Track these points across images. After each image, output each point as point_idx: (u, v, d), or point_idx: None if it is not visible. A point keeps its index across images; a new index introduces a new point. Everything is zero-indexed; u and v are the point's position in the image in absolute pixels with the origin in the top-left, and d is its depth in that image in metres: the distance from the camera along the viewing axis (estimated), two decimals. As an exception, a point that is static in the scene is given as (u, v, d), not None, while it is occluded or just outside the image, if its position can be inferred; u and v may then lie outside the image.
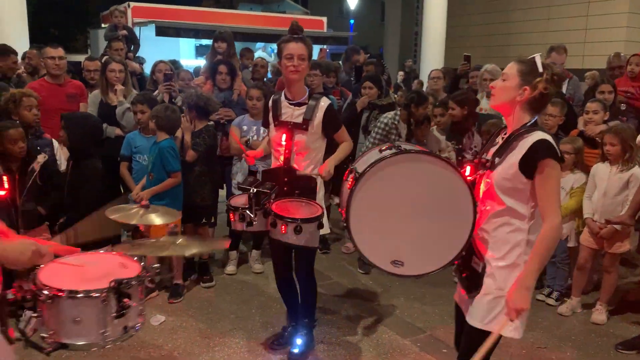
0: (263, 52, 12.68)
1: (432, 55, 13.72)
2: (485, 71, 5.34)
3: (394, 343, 3.72)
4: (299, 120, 3.13)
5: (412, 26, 23.65)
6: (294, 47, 3.06)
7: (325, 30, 14.01)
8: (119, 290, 1.99)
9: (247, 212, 2.79)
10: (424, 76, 12.59)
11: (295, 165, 3.14)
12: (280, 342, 3.61)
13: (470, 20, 18.25)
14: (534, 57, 2.22)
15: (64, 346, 1.97)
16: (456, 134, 4.80)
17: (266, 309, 4.18)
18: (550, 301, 4.30)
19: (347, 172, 2.49)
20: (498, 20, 17.59)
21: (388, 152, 2.34)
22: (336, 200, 6.61)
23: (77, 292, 1.94)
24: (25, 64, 6.07)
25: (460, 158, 4.67)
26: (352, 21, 23.38)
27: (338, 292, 4.53)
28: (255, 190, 2.82)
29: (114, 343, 2.03)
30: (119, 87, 4.69)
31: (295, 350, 3.43)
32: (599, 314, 4.09)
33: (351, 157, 4.81)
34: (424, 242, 2.30)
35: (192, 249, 2.54)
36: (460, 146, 4.75)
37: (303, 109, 3.15)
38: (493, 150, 2.31)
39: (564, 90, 5.63)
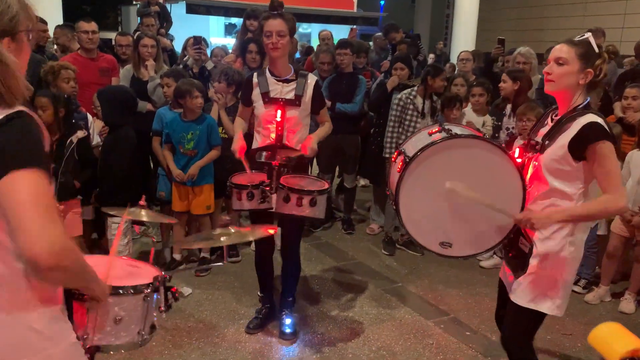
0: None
1: (464, 38, 13.51)
2: (518, 54, 5.23)
3: (417, 324, 3.73)
4: (291, 96, 3.15)
5: (443, 8, 23.22)
6: (272, 24, 3.05)
7: (355, 10, 13.85)
8: (164, 284, 1.90)
9: (266, 188, 2.90)
10: (454, 59, 12.40)
11: (287, 142, 3.17)
12: (255, 325, 3.55)
13: (503, 2, 17.84)
14: (587, 38, 2.17)
15: (98, 349, 1.79)
16: (497, 111, 4.74)
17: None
18: (578, 289, 4.25)
19: (396, 153, 2.48)
20: (532, 4, 17.14)
21: (438, 135, 2.31)
22: (362, 182, 6.61)
23: (122, 288, 1.76)
24: (53, 42, 6.16)
25: (496, 135, 4.61)
26: (382, 1, 23.07)
27: (362, 273, 4.55)
28: (278, 163, 2.91)
29: (147, 342, 1.89)
30: (150, 62, 4.74)
31: (288, 330, 3.46)
32: (628, 303, 4.03)
33: (379, 138, 4.84)
34: (472, 224, 2.32)
35: (247, 237, 2.50)
36: (500, 123, 4.68)
37: (292, 85, 3.17)
38: (542, 132, 2.30)
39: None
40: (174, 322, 3.60)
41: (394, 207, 2.25)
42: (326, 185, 3.08)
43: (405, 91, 4.76)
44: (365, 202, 6.20)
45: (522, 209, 2.26)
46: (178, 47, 7.82)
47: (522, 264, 2.30)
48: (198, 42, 5.27)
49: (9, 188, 1.24)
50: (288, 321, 3.48)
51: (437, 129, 2.38)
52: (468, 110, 4.84)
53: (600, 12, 14.74)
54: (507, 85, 4.53)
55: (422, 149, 2.23)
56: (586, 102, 2.18)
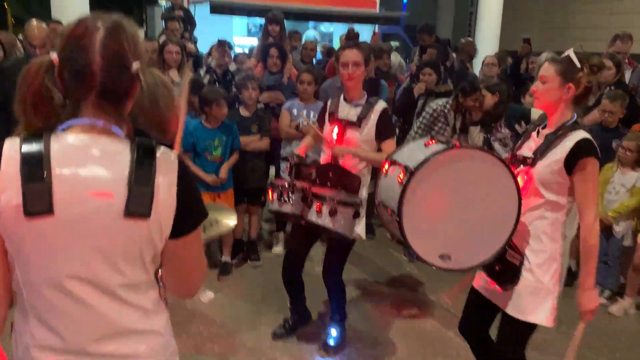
0: (314, 30, 12.66)
1: (487, 36, 13.32)
2: (545, 60, 5.16)
3: (437, 333, 3.73)
4: (354, 118, 3.14)
5: (466, 6, 22.98)
6: (349, 55, 3.08)
7: (377, 9, 13.79)
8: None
9: (286, 186, 2.88)
10: (478, 57, 12.27)
11: (342, 163, 3.14)
12: (281, 333, 3.58)
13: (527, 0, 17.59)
14: (568, 55, 2.28)
15: None
16: (485, 123, 4.70)
17: (310, 290, 4.25)
18: (602, 300, 4.19)
19: (386, 162, 2.45)
20: (558, 1, 16.87)
21: (440, 146, 2.31)
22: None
23: None
24: None
25: (485, 147, 4.58)
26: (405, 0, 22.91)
27: (382, 279, 4.57)
28: (296, 159, 2.97)
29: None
30: (174, 72, 4.84)
31: (331, 342, 3.46)
32: (652, 316, 3.98)
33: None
34: (470, 235, 2.32)
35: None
36: (489, 135, 4.65)
37: (359, 108, 3.16)
38: (529, 146, 2.40)
39: (626, 79, 5.40)
40: (197, 328, 3.66)
41: (397, 220, 2.22)
42: (355, 199, 2.88)
43: (440, 102, 4.71)
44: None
45: (517, 218, 2.29)
46: (202, 47, 7.92)
47: (512, 276, 2.36)
48: (222, 44, 5.35)
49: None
50: (333, 332, 3.44)
51: (433, 141, 2.38)
52: None
53: (629, 10, 14.43)
54: (486, 98, 4.52)
55: (426, 160, 2.21)
56: (574, 119, 2.30)
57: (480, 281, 2.57)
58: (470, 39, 6.52)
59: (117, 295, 1.28)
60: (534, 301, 2.34)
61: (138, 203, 1.23)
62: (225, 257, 4.57)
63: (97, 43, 1.23)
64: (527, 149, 2.41)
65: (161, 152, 1.28)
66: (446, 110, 4.64)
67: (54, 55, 1.25)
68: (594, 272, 2.31)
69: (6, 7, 22.10)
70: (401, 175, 2.28)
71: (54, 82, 1.25)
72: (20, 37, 6.21)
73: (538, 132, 2.42)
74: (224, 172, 4.28)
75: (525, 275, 2.33)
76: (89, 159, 1.24)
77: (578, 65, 2.24)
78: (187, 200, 1.30)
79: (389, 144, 3.15)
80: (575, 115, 2.32)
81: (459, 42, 7.15)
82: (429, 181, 2.24)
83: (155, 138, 1.31)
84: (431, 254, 2.33)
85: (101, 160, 1.24)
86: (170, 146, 1.38)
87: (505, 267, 2.38)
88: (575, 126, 2.28)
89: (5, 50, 5.34)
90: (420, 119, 4.78)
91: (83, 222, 1.22)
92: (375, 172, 4.29)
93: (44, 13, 14.36)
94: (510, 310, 2.39)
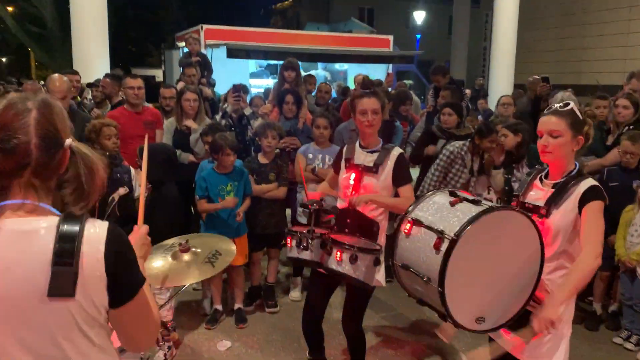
0: (324, 71, 12.85)
1: (502, 71, 13.41)
2: (560, 101, 5.13)
3: (460, 384, 3.63)
4: (370, 164, 3.13)
5: (480, 40, 23.20)
6: (368, 103, 3.08)
7: (391, 48, 13.97)
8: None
9: (305, 233, 2.84)
10: (493, 92, 12.31)
11: (359, 209, 3.09)
12: None
13: (542, 34, 17.71)
14: (572, 108, 2.35)
15: None
16: (507, 163, 4.64)
17: (330, 338, 4.18)
18: (629, 345, 4.07)
19: (407, 221, 2.36)
20: (573, 34, 16.96)
21: (469, 206, 2.24)
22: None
23: None
24: (99, 92, 6.44)
25: (506, 188, 4.51)
26: (418, 36, 23.23)
27: (402, 325, 4.48)
28: (315, 205, 2.93)
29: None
30: (190, 122, 4.94)
31: None
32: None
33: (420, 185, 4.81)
34: (500, 295, 2.28)
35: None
36: (510, 176, 4.59)
37: (376, 155, 3.15)
38: (536, 196, 2.44)
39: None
40: (213, 379, 3.61)
41: (439, 292, 2.12)
42: (375, 246, 2.87)
43: (457, 144, 4.66)
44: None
45: (540, 271, 2.30)
46: (219, 88, 8.08)
47: (527, 323, 2.33)
48: (237, 90, 5.45)
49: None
50: None
51: (458, 199, 2.32)
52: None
53: (643, 43, 14.44)
54: (508, 139, 4.47)
55: (465, 227, 2.13)
56: (577, 168, 2.39)
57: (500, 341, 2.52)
58: (537, 77, 6.34)
59: None
60: (551, 347, 2.38)
61: (60, 284, 1.24)
62: (238, 304, 4.52)
63: (32, 123, 1.28)
64: (533, 197, 2.46)
65: (88, 226, 1.30)
66: (463, 153, 4.60)
67: None
68: (570, 295, 2.30)
69: (30, 53, 22.90)
70: (437, 242, 2.16)
71: None
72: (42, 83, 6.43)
73: (541, 181, 2.48)
74: (241, 213, 4.28)
75: None
76: (11, 239, 1.26)
77: (581, 117, 2.35)
78: (119, 272, 1.31)
79: (407, 189, 3.14)
80: (577, 163, 2.41)
81: (527, 81, 6.73)
82: (468, 248, 2.16)
83: (83, 206, 1.35)
84: (468, 320, 2.25)
85: (24, 241, 1.26)
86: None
87: (524, 316, 2.34)
88: (582, 175, 2.37)
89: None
90: (437, 161, 4.74)
91: (9, 303, 1.25)
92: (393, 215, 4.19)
93: (66, 59, 14.85)
94: (527, 358, 2.41)
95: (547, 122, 2.37)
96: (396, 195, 3.18)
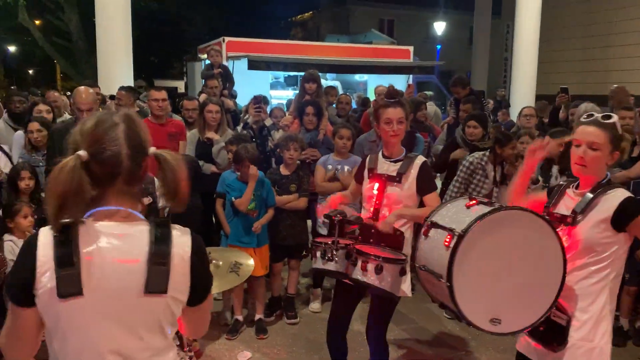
0: (335, 81, 12.87)
1: (524, 82, 13.24)
2: (585, 112, 5.07)
3: (482, 399, 3.58)
4: (394, 174, 3.12)
5: (501, 51, 23.06)
6: (393, 112, 3.08)
7: (411, 59, 13.97)
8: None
9: (330, 244, 2.82)
10: (514, 104, 12.20)
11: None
12: None
13: (564, 44, 17.54)
14: (614, 122, 2.27)
15: None
16: (546, 172, 4.60)
17: (350, 350, 4.16)
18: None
19: (425, 224, 2.40)
20: (596, 45, 16.77)
21: (483, 207, 2.27)
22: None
23: None
24: (115, 104, 6.56)
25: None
26: (439, 47, 23.18)
27: (423, 338, 4.44)
28: (339, 216, 2.93)
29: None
30: (212, 134, 5.00)
31: None
32: None
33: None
34: (518, 298, 2.27)
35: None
36: (549, 184, 4.53)
37: (399, 164, 3.14)
38: (567, 205, 2.37)
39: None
40: (234, 390, 3.61)
41: (447, 286, 2.16)
42: (400, 256, 2.85)
43: (477, 155, 4.65)
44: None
45: (563, 278, 2.25)
46: (240, 100, 8.16)
47: (560, 337, 2.30)
48: (258, 101, 5.50)
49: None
50: None
51: (474, 202, 2.34)
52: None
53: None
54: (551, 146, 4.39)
55: (473, 223, 2.16)
56: (608, 177, 2.30)
57: (524, 343, 2.49)
58: (621, 85, 6.19)
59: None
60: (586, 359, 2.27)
61: (156, 281, 1.41)
62: (259, 315, 4.53)
63: (122, 135, 1.44)
64: (563, 207, 2.40)
65: (176, 231, 1.48)
66: (483, 163, 4.58)
67: (83, 153, 1.41)
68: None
69: (56, 65, 23.42)
70: (447, 239, 2.22)
71: (83, 177, 1.40)
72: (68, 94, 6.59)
73: (573, 191, 2.41)
74: (258, 224, 4.32)
75: (574, 336, 2.28)
76: (113, 242, 1.42)
77: (620, 131, 2.26)
78: (200, 273, 1.50)
79: (432, 197, 3.12)
80: (608, 173, 2.32)
81: (610, 90, 6.41)
82: (478, 244, 2.19)
83: (172, 209, 1.49)
84: (482, 319, 2.25)
85: (124, 244, 1.42)
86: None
87: (550, 328, 2.33)
88: (611, 184, 2.29)
89: (54, 112, 5.62)
90: (458, 172, 4.72)
91: (109, 300, 1.40)
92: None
93: (91, 71, 15.14)
94: None
95: (588, 132, 2.27)
96: (421, 204, 3.17)
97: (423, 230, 2.41)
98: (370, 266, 2.71)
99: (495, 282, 2.24)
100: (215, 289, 2.64)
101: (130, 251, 1.41)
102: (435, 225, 2.35)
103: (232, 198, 4.35)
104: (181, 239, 1.47)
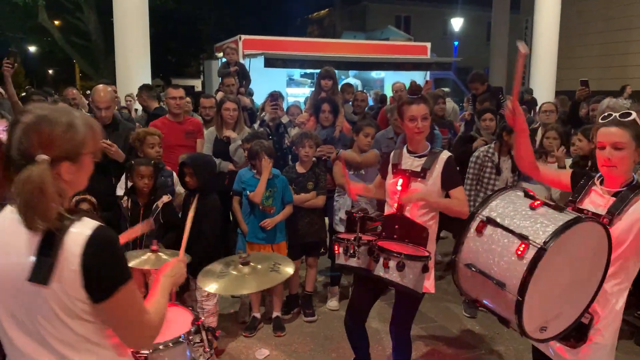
0: (355, 79, 12.83)
1: (543, 78, 13.06)
2: (607, 107, 4.99)
3: (503, 398, 3.53)
4: (418, 169, 3.09)
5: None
6: (417, 109, 3.05)
7: (429, 55, 13.87)
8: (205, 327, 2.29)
9: (353, 240, 2.82)
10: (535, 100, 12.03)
11: (407, 214, 3.07)
12: None
13: (584, 40, 17.27)
14: (634, 119, 2.24)
15: None
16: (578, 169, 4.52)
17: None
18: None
19: (479, 220, 2.21)
20: (616, 39, 16.48)
21: (555, 213, 2.12)
22: (441, 234, 6.45)
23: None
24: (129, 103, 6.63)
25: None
26: (456, 43, 22.98)
27: (442, 337, 4.39)
28: (361, 213, 2.91)
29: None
30: (229, 132, 5.01)
31: None
32: None
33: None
34: (564, 304, 2.21)
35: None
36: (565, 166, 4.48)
37: (423, 159, 3.11)
38: (595, 202, 2.34)
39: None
40: (252, 387, 3.61)
41: (518, 300, 2.01)
42: (423, 253, 2.81)
43: (482, 148, 4.67)
44: (445, 256, 6.04)
45: (602, 283, 2.23)
46: (257, 98, 8.17)
47: (580, 334, 2.31)
48: (275, 98, 5.49)
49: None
50: None
51: (539, 203, 2.17)
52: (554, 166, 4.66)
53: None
54: (582, 144, 4.31)
55: (555, 235, 2.00)
56: (636, 179, 2.31)
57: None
58: None
59: (53, 349, 1.48)
60: (605, 355, 2.34)
61: (39, 271, 1.40)
62: (276, 312, 4.52)
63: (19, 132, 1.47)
64: (591, 204, 2.35)
65: (77, 224, 1.43)
66: (490, 155, 4.58)
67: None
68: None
69: (75, 64, 23.70)
70: (522, 249, 2.04)
71: None
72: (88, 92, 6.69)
73: (602, 189, 2.37)
74: (272, 222, 4.31)
75: (595, 334, 2.31)
76: (13, 227, 1.44)
77: None
78: (95, 268, 1.41)
79: (458, 192, 3.07)
80: (635, 175, 2.34)
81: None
82: (553, 259, 2.04)
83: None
84: (534, 328, 2.16)
85: (21, 230, 1.43)
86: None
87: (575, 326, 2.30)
88: None
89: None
90: (468, 169, 4.72)
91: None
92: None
93: (109, 70, 15.29)
94: None
95: (610, 133, 2.26)
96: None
97: (476, 225, 2.21)
98: (392, 263, 2.69)
99: (552, 292, 2.14)
100: (257, 287, 2.63)
101: (23, 238, 1.42)
102: (493, 223, 2.16)
103: (248, 191, 4.35)
104: (78, 233, 1.41)
